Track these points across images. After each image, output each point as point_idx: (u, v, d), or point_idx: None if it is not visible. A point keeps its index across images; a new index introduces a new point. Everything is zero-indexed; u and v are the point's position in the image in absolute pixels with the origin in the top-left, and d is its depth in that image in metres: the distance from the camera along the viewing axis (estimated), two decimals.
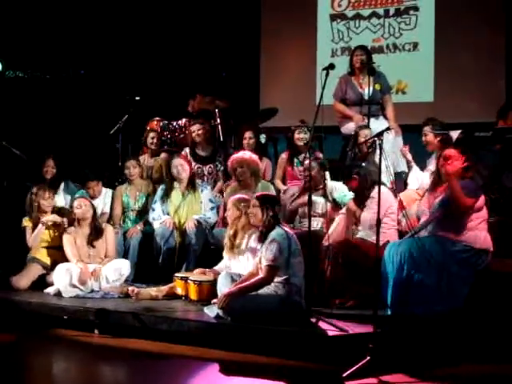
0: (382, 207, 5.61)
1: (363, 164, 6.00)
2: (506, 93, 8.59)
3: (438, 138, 6.39)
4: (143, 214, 7.03)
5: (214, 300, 5.41)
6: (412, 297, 5.26)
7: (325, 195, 6.22)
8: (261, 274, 5.22)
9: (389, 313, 5.30)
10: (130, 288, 6.11)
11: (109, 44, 9.90)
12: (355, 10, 9.57)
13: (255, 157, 6.83)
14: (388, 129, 6.11)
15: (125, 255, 6.70)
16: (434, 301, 5.22)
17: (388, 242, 5.59)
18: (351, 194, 6.11)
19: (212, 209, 6.78)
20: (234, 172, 6.73)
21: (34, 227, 6.74)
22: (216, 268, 5.89)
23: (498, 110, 7.90)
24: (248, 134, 7.47)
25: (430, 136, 6.43)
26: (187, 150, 7.56)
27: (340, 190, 6.34)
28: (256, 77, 10.12)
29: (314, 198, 5.76)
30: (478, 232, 5.37)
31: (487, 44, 8.76)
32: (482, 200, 5.43)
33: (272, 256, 5.15)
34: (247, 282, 5.27)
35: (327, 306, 5.50)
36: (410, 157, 6.65)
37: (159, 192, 6.87)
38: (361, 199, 5.88)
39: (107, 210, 7.14)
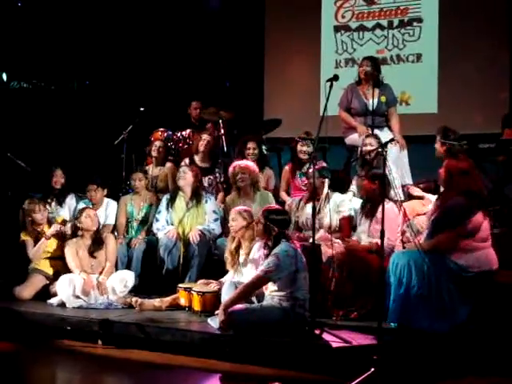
0: (394, 224, 5.62)
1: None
2: (510, 103, 8.58)
3: (444, 148, 6.38)
4: (146, 223, 7.03)
5: (217, 311, 5.40)
6: (413, 311, 5.22)
7: (319, 208, 6.20)
8: (249, 280, 5.27)
9: (393, 325, 5.28)
10: (134, 299, 6.10)
11: (114, 55, 9.94)
12: (359, 22, 9.60)
13: (256, 167, 6.85)
14: (392, 140, 6.13)
15: (128, 265, 6.70)
16: (436, 317, 5.17)
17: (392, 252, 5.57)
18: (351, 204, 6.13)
19: (216, 220, 6.77)
20: (234, 178, 6.72)
21: (35, 240, 6.75)
22: (222, 280, 5.88)
23: (502, 120, 7.91)
24: (251, 145, 7.47)
25: (437, 144, 6.43)
26: (186, 160, 7.56)
27: (345, 202, 6.33)
28: (260, 87, 10.14)
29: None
30: (479, 253, 5.26)
31: (491, 55, 8.77)
32: (478, 218, 5.27)
33: (266, 268, 5.16)
34: (236, 291, 5.29)
35: (331, 318, 5.50)
36: (418, 193, 6.47)
37: (164, 202, 6.88)
38: (373, 206, 5.83)
39: (109, 221, 7.14)
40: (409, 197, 6.73)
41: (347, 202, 6.34)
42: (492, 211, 7.02)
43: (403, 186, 6.86)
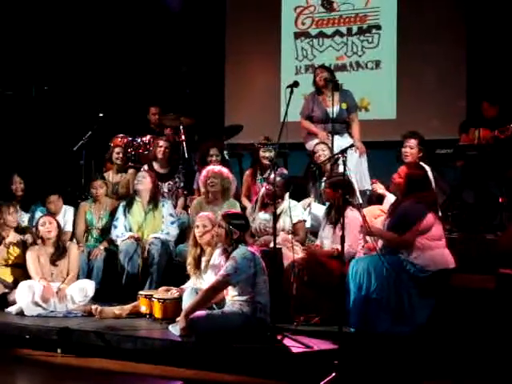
0: (357, 230, 5.67)
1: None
2: (467, 110, 8.72)
3: (420, 154, 6.46)
4: (107, 232, 6.97)
5: (179, 318, 5.38)
6: (373, 316, 5.28)
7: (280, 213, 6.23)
8: (209, 284, 5.27)
9: (353, 330, 5.31)
10: (94, 306, 6.03)
11: (73, 60, 9.85)
12: (319, 29, 9.67)
13: (229, 175, 6.85)
14: (352, 146, 6.19)
15: (89, 274, 6.63)
16: (396, 320, 5.24)
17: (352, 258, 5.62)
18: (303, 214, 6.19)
19: (173, 223, 6.78)
20: (205, 183, 6.70)
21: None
22: (183, 287, 5.86)
23: (459, 126, 8.03)
24: (214, 151, 7.47)
25: (415, 150, 6.50)
26: (145, 167, 7.53)
27: (297, 207, 6.36)
28: (220, 93, 10.15)
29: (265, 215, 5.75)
30: (432, 252, 5.35)
31: (449, 62, 8.90)
32: (430, 219, 5.38)
33: (225, 272, 5.17)
34: (197, 296, 5.29)
35: (292, 323, 5.51)
36: (381, 190, 6.55)
37: (121, 208, 6.84)
38: (336, 214, 5.87)
39: (68, 228, 7.06)
40: (368, 200, 6.80)
41: (299, 208, 6.38)
42: (450, 216, 7.15)
43: (364, 191, 6.93)
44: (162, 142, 7.63)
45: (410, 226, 5.33)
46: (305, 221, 6.34)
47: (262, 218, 6.31)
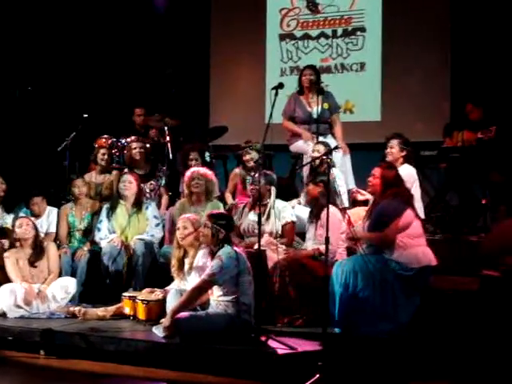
0: (337, 229, 5.68)
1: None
2: (451, 112, 8.77)
3: (403, 154, 6.47)
4: (89, 233, 6.94)
5: (163, 319, 5.36)
6: (358, 315, 5.30)
7: (268, 215, 6.22)
8: (195, 284, 5.27)
9: (337, 331, 5.32)
10: (77, 308, 6.01)
11: (57, 60, 9.81)
12: (304, 31, 9.69)
13: (214, 177, 6.87)
14: (336, 147, 6.20)
15: (72, 275, 6.58)
16: (381, 320, 5.26)
17: (336, 260, 5.63)
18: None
19: (157, 225, 6.76)
20: (189, 183, 6.69)
21: None
22: (167, 288, 5.84)
23: (443, 129, 8.08)
24: (193, 155, 7.46)
25: (396, 149, 6.51)
26: (126, 169, 7.49)
27: (287, 208, 6.36)
28: (206, 95, 10.15)
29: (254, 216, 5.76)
30: (414, 250, 5.38)
31: (433, 65, 8.95)
32: (408, 216, 5.43)
33: (211, 271, 5.17)
34: (183, 296, 5.28)
35: (276, 324, 5.51)
36: (362, 197, 6.53)
37: (104, 211, 6.81)
38: (317, 211, 5.88)
39: (52, 229, 7.02)
40: (353, 203, 6.81)
41: (289, 209, 6.37)
42: (434, 218, 7.18)
43: (349, 191, 6.94)
44: (134, 144, 7.58)
45: (389, 222, 5.37)
46: (294, 222, 6.31)
47: (251, 218, 6.29)
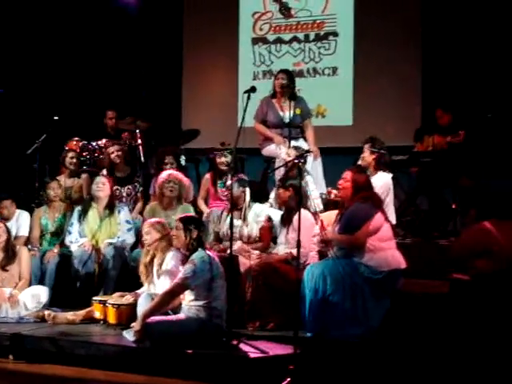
0: (309, 232, 5.70)
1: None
2: (422, 117, 8.85)
3: (373, 157, 6.49)
4: (59, 235, 6.89)
5: (134, 324, 5.33)
6: (329, 320, 5.31)
7: (244, 217, 6.23)
8: (167, 288, 5.25)
9: (308, 335, 5.33)
10: (47, 312, 5.96)
11: (27, 62, 9.71)
12: (276, 34, 9.72)
13: (188, 182, 6.87)
14: (308, 151, 6.22)
15: (42, 278, 6.53)
16: (351, 324, 5.28)
17: (308, 263, 5.64)
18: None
19: (129, 230, 6.72)
20: (163, 186, 6.67)
21: None
22: (138, 292, 5.81)
23: (414, 134, 8.14)
24: (168, 159, 7.44)
25: (367, 153, 6.53)
26: (104, 171, 7.46)
27: (265, 212, 6.36)
28: (178, 98, 10.12)
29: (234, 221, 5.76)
30: (384, 253, 5.41)
31: (404, 71, 9.01)
32: (378, 219, 5.46)
33: (183, 275, 5.15)
34: (155, 300, 5.25)
35: (248, 328, 5.51)
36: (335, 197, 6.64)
37: (76, 214, 6.76)
38: (289, 215, 5.88)
39: (22, 233, 6.94)
40: (327, 204, 6.83)
41: (266, 211, 6.37)
42: (404, 222, 7.23)
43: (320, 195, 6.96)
44: (112, 148, 7.55)
45: (359, 225, 5.38)
46: (271, 226, 6.30)
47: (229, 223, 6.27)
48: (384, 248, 5.43)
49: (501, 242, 5.77)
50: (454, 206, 7.40)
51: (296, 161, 5.83)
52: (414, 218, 7.46)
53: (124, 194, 7.37)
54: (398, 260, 5.47)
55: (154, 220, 5.94)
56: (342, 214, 5.61)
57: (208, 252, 5.29)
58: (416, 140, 8.04)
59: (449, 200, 7.54)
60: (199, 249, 5.26)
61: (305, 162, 6.54)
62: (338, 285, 5.33)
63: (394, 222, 6.18)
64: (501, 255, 5.71)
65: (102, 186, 6.74)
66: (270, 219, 6.24)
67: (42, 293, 6.24)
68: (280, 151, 7.01)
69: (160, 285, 5.61)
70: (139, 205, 7.35)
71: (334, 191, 6.44)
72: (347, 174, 5.62)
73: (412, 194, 7.66)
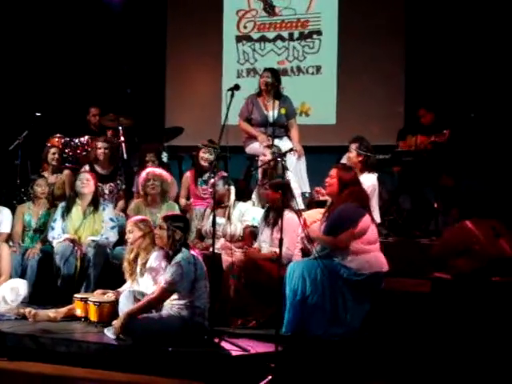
0: (295, 234, 5.71)
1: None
2: (405, 117, 8.88)
3: (360, 159, 6.51)
4: (42, 232, 6.85)
5: (115, 321, 5.31)
6: (310, 318, 5.31)
7: (229, 216, 6.24)
8: (154, 294, 5.21)
9: (289, 333, 5.33)
10: (27, 309, 5.91)
11: (9, 57, 9.64)
12: (260, 33, 9.72)
13: (169, 177, 6.85)
14: (291, 150, 6.23)
15: (22, 275, 6.49)
16: (332, 324, 5.27)
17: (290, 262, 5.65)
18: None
19: (113, 228, 6.68)
20: (145, 184, 6.66)
21: None
22: (120, 289, 5.79)
23: (397, 133, 8.18)
24: (149, 157, 7.43)
25: (353, 154, 6.54)
26: (87, 167, 7.43)
27: (250, 211, 6.36)
28: (161, 95, 10.10)
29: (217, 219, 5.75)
30: (368, 256, 5.39)
31: (388, 70, 9.05)
32: (365, 222, 5.43)
33: (170, 279, 5.12)
34: (141, 302, 5.23)
35: (230, 326, 5.51)
36: (323, 198, 6.47)
37: (59, 210, 6.73)
38: (276, 216, 5.89)
39: (3, 229, 6.85)
40: (308, 205, 6.85)
41: (251, 212, 6.38)
42: (387, 221, 7.26)
43: (303, 193, 6.97)
44: (100, 144, 7.52)
45: (344, 229, 5.37)
46: (254, 226, 6.30)
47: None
48: (368, 250, 5.41)
49: (482, 240, 5.82)
50: (435, 206, 7.44)
51: (279, 159, 5.84)
52: (396, 217, 7.50)
53: (106, 192, 7.34)
54: (380, 263, 5.45)
55: (137, 218, 5.92)
56: (330, 212, 5.59)
57: (192, 252, 5.27)
58: (399, 139, 8.08)
59: (431, 199, 7.58)
60: (183, 249, 5.24)
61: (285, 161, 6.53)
62: (317, 286, 5.31)
63: (378, 221, 6.19)
64: (482, 254, 5.76)
65: (87, 183, 6.71)
66: (252, 226, 6.26)
67: (20, 286, 6.19)
68: (263, 150, 7.02)
69: (143, 283, 5.60)
70: (121, 202, 7.33)
71: (322, 195, 6.46)
72: (333, 172, 5.62)
73: (394, 193, 7.69)
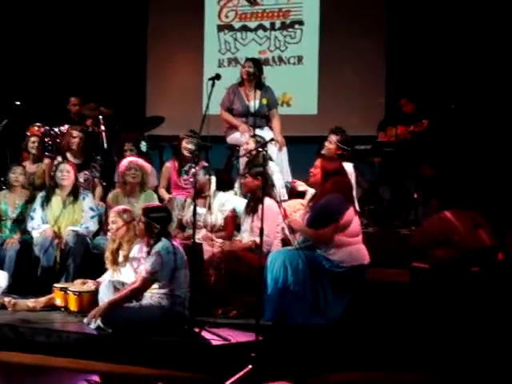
0: (274, 221, 5.71)
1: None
2: (386, 108, 8.91)
3: (338, 152, 6.51)
4: (21, 222, 6.80)
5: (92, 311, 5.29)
6: (291, 307, 5.32)
7: (209, 206, 6.23)
8: (135, 284, 5.20)
9: (270, 321, 5.35)
10: (7, 299, 5.88)
11: None
12: (242, 22, 9.69)
13: (150, 168, 6.83)
14: (272, 140, 6.23)
15: (1, 265, 6.45)
16: (312, 314, 5.29)
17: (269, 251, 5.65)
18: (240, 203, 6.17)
19: (93, 217, 6.65)
20: (125, 173, 6.63)
21: None
22: (99, 280, 5.78)
23: (378, 125, 8.22)
24: (127, 146, 7.41)
25: (333, 146, 6.53)
26: (59, 158, 7.36)
27: (230, 201, 6.35)
28: (142, 84, 10.05)
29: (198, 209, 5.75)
30: (350, 248, 5.40)
31: (369, 61, 9.07)
32: (349, 215, 5.43)
33: (151, 268, 5.12)
34: (122, 292, 5.22)
35: (211, 316, 5.52)
36: (302, 187, 6.60)
37: (39, 199, 6.68)
38: (255, 204, 5.89)
39: None
40: (290, 195, 6.86)
41: (232, 201, 6.37)
42: (367, 211, 7.30)
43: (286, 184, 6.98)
44: (75, 133, 7.47)
45: (328, 223, 5.36)
46: (236, 216, 6.30)
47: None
48: (350, 243, 5.42)
49: (461, 231, 5.86)
50: (415, 196, 7.49)
51: (260, 149, 5.84)
52: (376, 207, 7.53)
53: (82, 180, 7.29)
54: (362, 255, 5.46)
55: (120, 208, 5.88)
56: (314, 202, 5.59)
57: (173, 242, 5.26)
58: (379, 130, 8.12)
59: (411, 190, 7.63)
60: (162, 238, 5.23)
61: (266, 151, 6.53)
62: (298, 276, 5.32)
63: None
64: (461, 245, 5.80)
65: (67, 174, 6.65)
66: (234, 210, 6.24)
67: (0, 277, 6.16)
68: (244, 139, 7.01)
69: (125, 273, 5.61)
70: (99, 190, 7.31)
71: (300, 182, 6.47)
72: (318, 161, 5.63)
73: (375, 184, 7.73)
